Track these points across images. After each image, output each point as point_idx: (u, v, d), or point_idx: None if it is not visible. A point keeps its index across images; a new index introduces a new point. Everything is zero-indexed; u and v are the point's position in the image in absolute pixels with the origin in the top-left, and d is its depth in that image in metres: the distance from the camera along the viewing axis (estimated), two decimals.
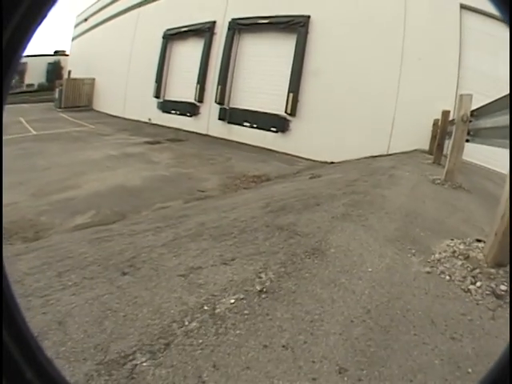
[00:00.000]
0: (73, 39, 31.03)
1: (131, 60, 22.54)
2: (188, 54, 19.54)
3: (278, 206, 4.14)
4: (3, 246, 1.12)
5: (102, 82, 26.06)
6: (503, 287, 2.22)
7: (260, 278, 2.24)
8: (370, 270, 2.47)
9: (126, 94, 22.52)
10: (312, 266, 2.44)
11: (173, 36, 20.42)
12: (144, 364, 1.52)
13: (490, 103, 4.75)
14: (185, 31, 19.57)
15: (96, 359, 1.53)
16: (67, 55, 32.22)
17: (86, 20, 28.36)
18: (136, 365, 1.51)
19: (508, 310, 2.08)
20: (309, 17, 15.41)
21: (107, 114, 23.32)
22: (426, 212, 4.20)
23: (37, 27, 0.86)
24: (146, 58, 21.19)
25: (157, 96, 20.84)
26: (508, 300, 2.14)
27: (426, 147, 12.14)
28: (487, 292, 2.22)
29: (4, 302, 0.84)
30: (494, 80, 10.60)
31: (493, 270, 2.35)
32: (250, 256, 2.57)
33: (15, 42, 0.82)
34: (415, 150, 12.52)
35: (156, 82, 20.84)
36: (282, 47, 16.10)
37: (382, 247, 2.85)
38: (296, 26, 15.60)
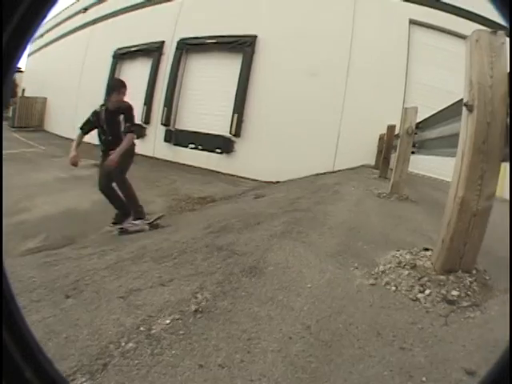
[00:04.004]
0: (29, 55, 30.40)
1: (82, 80, 22.43)
2: (137, 74, 19.48)
3: (219, 227, 4.33)
4: (3, 246, 1.15)
5: (53, 101, 25.74)
6: (455, 292, 2.28)
7: (196, 298, 2.30)
8: (309, 285, 2.49)
9: (75, 115, 22.10)
10: (249, 285, 2.47)
11: (123, 56, 20.53)
12: None
13: (435, 114, 5.00)
14: (134, 51, 19.73)
15: None
16: (22, 72, 31.40)
17: (42, 36, 27.79)
18: None
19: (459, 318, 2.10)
20: (255, 36, 15.87)
21: (57, 135, 22.86)
22: (371, 225, 4.31)
23: (37, 27, 0.91)
24: (96, 78, 20.77)
25: None
26: (461, 304, 2.20)
27: (373, 162, 12.56)
28: (438, 299, 2.26)
29: (4, 302, 0.91)
30: (442, 93, 11.17)
31: (442, 277, 2.40)
32: (187, 277, 2.66)
33: (15, 41, 0.86)
34: (362, 165, 12.95)
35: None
36: (228, 67, 16.49)
37: (322, 263, 2.89)
38: (242, 46, 16.01)
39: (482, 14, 14.81)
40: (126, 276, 2.75)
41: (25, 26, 0.87)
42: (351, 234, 3.82)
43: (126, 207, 6.40)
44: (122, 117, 6.18)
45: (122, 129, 6.15)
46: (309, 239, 3.51)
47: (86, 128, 6.44)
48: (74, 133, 20.34)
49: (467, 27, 14.56)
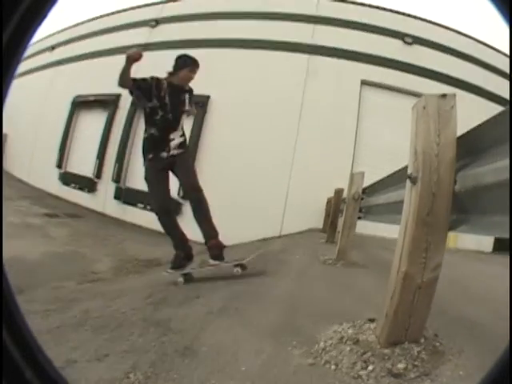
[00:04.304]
0: None
1: (41, 121, 22.04)
2: (92, 125, 19.59)
3: (159, 298, 4.27)
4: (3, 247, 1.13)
5: (14, 139, 24.67)
6: (401, 365, 2.17)
7: (128, 378, 2.24)
8: (243, 368, 2.35)
9: (32, 157, 21.86)
10: (182, 367, 2.37)
11: (81, 104, 20.47)
12: None
13: (382, 179, 5.05)
14: (92, 101, 19.74)
15: None
16: None
17: None
18: None
19: None
20: (208, 97, 16.18)
21: (13, 176, 22.33)
22: (314, 297, 4.19)
23: (37, 27, 0.94)
24: (54, 122, 20.89)
25: (59, 166, 20.57)
26: (409, 376, 2.10)
27: (321, 225, 12.72)
28: (382, 374, 2.14)
29: (4, 302, 0.94)
30: (392, 153, 11.41)
31: (387, 351, 2.29)
32: (122, 353, 2.60)
33: (15, 41, 0.89)
34: (309, 229, 13.08)
35: (60, 150, 20.64)
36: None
37: (259, 342, 2.76)
38: (196, 106, 16.07)
39: (438, 70, 15.64)
40: (66, 344, 2.72)
41: (25, 26, 0.90)
42: (292, 308, 3.71)
43: (185, 243, 5.57)
44: (187, 96, 5.61)
45: (186, 108, 5.56)
46: (247, 316, 3.40)
47: (139, 83, 5.30)
48: (29, 178, 19.91)
49: (423, 85, 15.33)
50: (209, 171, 15.39)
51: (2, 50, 0.85)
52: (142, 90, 5.31)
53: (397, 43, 16.54)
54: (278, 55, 16.12)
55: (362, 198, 6.29)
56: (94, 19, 22.14)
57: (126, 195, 17.58)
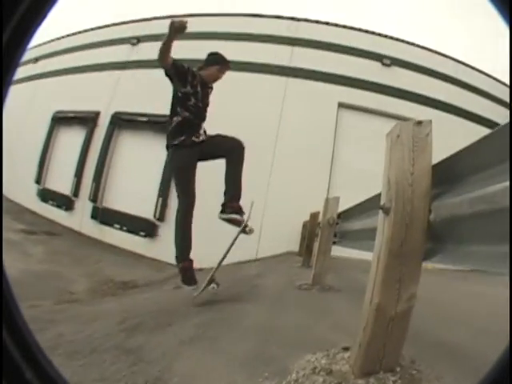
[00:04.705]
0: None
1: (22, 134, 21.43)
2: (72, 142, 19.37)
3: (133, 324, 4.19)
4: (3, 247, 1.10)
5: None
6: None
7: None
8: None
9: (12, 171, 21.25)
10: None
11: (60, 119, 20.28)
12: None
13: (357, 205, 5.02)
14: (71, 117, 19.60)
15: None
16: None
17: None
18: None
19: None
20: None
21: None
22: (287, 324, 4.14)
23: (37, 27, 0.95)
24: (35, 136, 20.72)
25: (37, 182, 20.34)
26: None
27: (297, 249, 12.73)
28: None
29: (4, 302, 0.97)
30: (369, 176, 11.48)
31: (361, 381, 2.24)
32: (93, 382, 2.58)
33: (15, 41, 0.90)
34: (286, 252, 13.13)
35: (39, 166, 20.43)
36: (157, 149, 16.29)
37: (231, 373, 2.70)
38: None
39: (417, 91, 15.80)
40: None
41: (25, 26, 0.91)
42: (266, 336, 3.65)
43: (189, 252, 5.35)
44: (210, 91, 5.66)
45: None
46: (219, 345, 3.36)
47: (178, 64, 5.18)
48: (8, 192, 19.27)
49: (401, 107, 15.45)
50: None
51: (2, 51, 0.86)
52: (179, 73, 5.24)
53: (375, 65, 16.74)
54: (256, 77, 16.27)
55: (337, 223, 6.28)
56: (76, 33, 22.01)
57: (102, 215, 17.40)
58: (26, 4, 0.88)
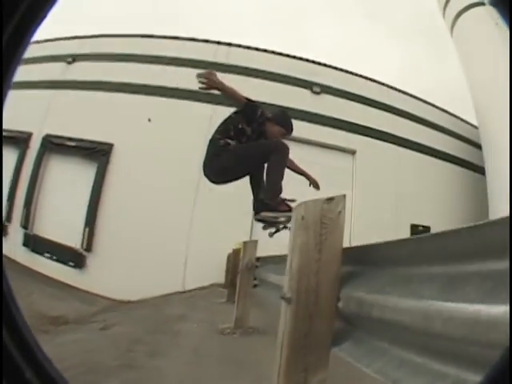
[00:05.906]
0: None
1: None
2: (5, 163, 18.00)
3: None
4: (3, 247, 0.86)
5: None
6: None
7: None
8: None
9: None
10: None
11: None
12: None
13: (272, 256, 5.07)
14: (4, 136, 18.29)
15: None
16: None
17: None
18: None
19: None
20: (112, 145, 15.98)
21: None
22: (207, 381, 4.05)
23: (37, 27, 0.96)
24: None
25: None
26: None
27: (223, 280, 12.69)
28: None
29: (4, 302, 0.95)
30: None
31: None
32: None
33: (15, 42, 0.90)
34: (212, 284, 13.21)
35: None
36: (84, 176, 16.18)
37: None
38: (98, 155, 15.97)
39: (347, 119, 16.46)
40: None
41: (25, 26, 0.92)
42: None
43: None
44: None
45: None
46: None
47: (253, 104, 5.02)
48: None
49: (332, 136, 15.58)
50: (109, 225, 15.35)
51: (2, 50, 0.86)
52: (250, 113, 5.03)
53: (304, 93, 16.88)
54: (183, 104, 16.27)
55: (257, 266, 6.21)
56: None
57: (34, 243, 16.38)
58: (25, 4, 0.89)
